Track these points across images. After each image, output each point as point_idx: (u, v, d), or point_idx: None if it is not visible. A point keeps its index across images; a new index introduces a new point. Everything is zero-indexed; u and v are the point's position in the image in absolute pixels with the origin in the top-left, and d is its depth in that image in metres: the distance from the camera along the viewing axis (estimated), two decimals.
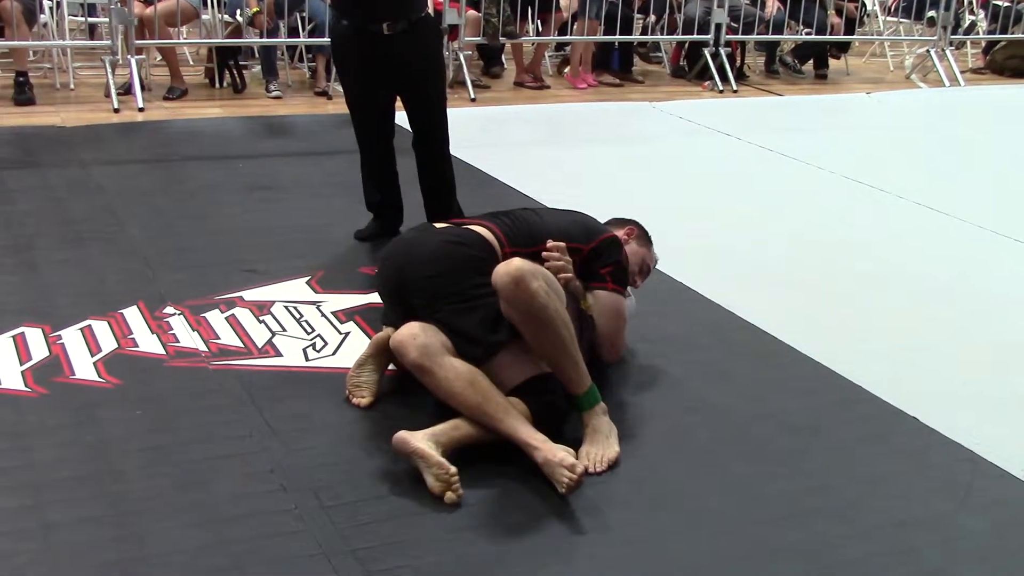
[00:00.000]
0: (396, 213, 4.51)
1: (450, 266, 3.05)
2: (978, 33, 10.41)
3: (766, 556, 2.50)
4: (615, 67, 8.81)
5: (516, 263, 2.86)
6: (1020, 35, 9.96)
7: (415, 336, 2.89)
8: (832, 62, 9.52)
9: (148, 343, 3.41)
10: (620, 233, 3.40)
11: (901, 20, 10.19)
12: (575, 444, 2.83)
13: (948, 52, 9.40)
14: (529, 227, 3.23)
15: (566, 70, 8.77)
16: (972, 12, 10.33)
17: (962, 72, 9.51)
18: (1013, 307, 4.14)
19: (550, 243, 3.11)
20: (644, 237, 3.52)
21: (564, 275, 3.06)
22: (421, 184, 4.47)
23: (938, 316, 4.01)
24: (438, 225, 3.34)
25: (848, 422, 3.17)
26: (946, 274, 4.46)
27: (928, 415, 3.18)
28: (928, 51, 9.45)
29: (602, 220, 3.46)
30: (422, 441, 2.66)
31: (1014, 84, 9.59)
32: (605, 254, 3.25)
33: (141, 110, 6.81)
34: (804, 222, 5.11)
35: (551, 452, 2.67)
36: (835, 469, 2.91)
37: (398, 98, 4.38)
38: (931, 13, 9.48)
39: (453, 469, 2.61)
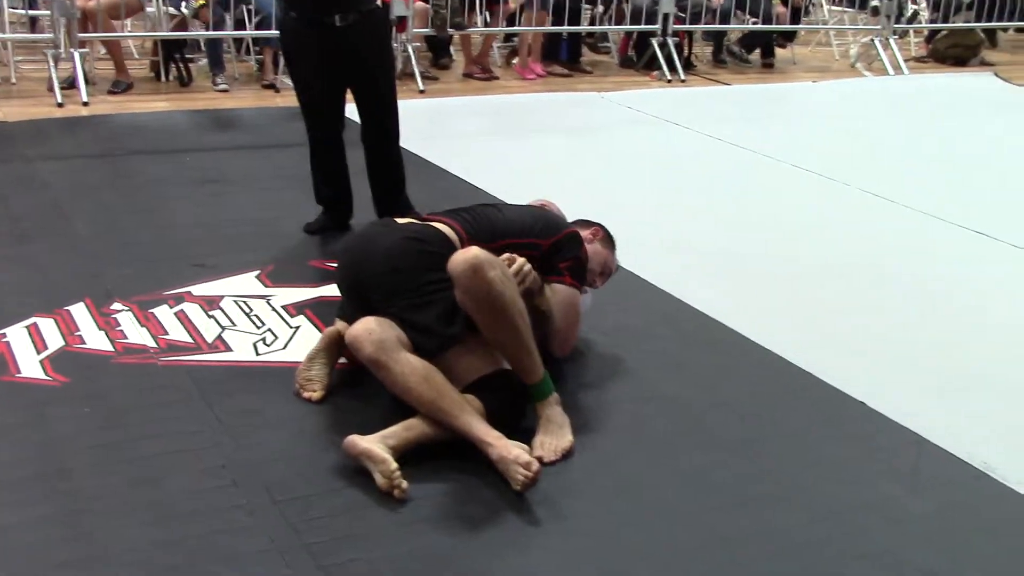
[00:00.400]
0: (346, 206, 4.49)
1: (409, 263, 3.03)
2: (920, 22, 10.54)
3: (720, 544, 2.53)
4: (563, 57, 8.82)
5: (473, 251, 2.86)
6: (961, 24, 10.10)
7: (370, 331, 2.88)
8: (779, 51, 9.60)
9: (95, 340, 3.37)
10: (585, 233, 3.40)
11: (846, 9, 10.31)
12: (531, 437, 2.83)
13: (892, 41, 9.51)
14: (491, 223, 3.22)
15: (515, 61, 8.77)
16: (914, 1, 10.46)
17: (906, 60, 9.61)
18: (956, 292, 4.20)
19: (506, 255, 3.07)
20: (609, 240, 3.52)
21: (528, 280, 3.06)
22: (370, 178, 4.45)
23: (884, 302, 4.06)
24: (399, 220, 3.31)
25: (799, 409, 3.21)
26: (893, 261, 4.52)
27: (876, 400, 3.22)
28: (872, 40, 9.54)
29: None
30: (369, 442, 2.66)
31: (956, 72, 9.72)
32: (565, 249, 3.26)
33: (85, 104, 6.73)
34: (752, 211, 5.15)
35: (506, 449, 2.67)
36: (786, 456, 2.94)
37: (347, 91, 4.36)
38: (875, 2, 9.58)
39: (394, 465, 2.61)
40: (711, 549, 2.51)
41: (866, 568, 2.46)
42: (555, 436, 2.86)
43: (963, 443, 3.00)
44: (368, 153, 4.41)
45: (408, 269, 3.01)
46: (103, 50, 7.61)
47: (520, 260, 3.07)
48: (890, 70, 9.32)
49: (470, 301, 2.85)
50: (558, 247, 3.24)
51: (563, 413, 2.93)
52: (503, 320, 2.85)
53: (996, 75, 9.38)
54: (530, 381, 2.91)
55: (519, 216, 3.32)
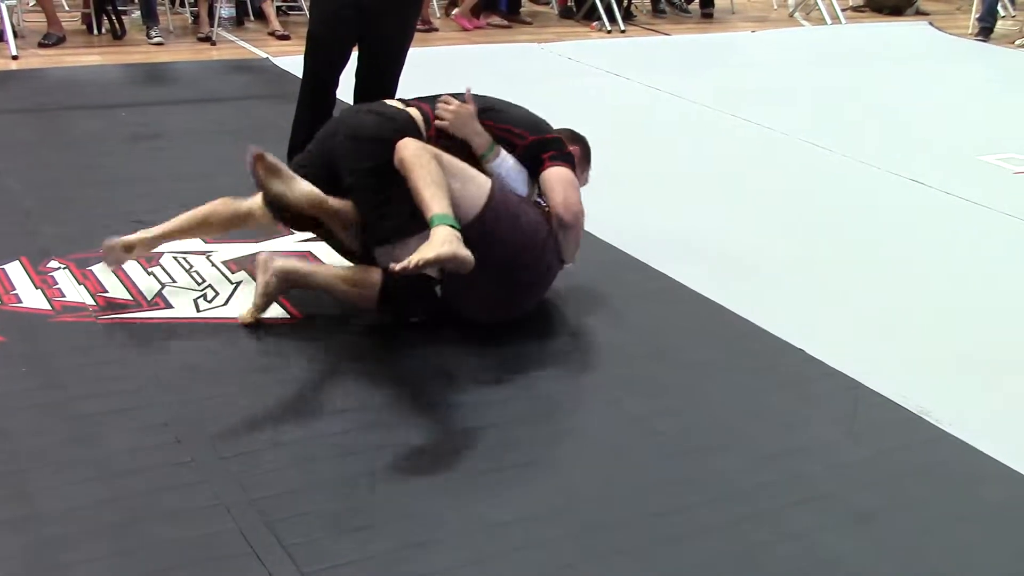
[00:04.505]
0: None
1: (368, 133, 3.15)
2: None
3: (660, 489, 2.56)
4: (503, 8, 8.77)
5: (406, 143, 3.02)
6: None
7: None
8: (718, 1, 9.60)
9: (32, 299, 3.32)
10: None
11: None
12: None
13: None
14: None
15: (454, 12, 8.70)
16: None
17: (843, 9, 9.67)
18: (890, 238, 4.26)
19: (443, 97, 3.24)
20: (585, 159, 3.53)
21: (442, 123, 3.21)
22: None
23: (820, 250, 4.12)
24: (376, 106, 3.35)
25: (738, 357, 3.24)
26: (830, 207, 4.58)
27: (814, 347, 3.27)
28: None
29: None
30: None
31: (891, 21, 9.80)
32: (549, 146, 3.30)
33: (15, 58, 6.58)
34: (691, 160, 5.18)
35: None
36: (727, 403, 2.98)
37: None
38: None
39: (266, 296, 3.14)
40: (650, 494, 2.54)
41: (806, 512, 2.51)
42: (429, 248, 2.78)
43: (899, 388, 3.06)
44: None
45: (367, 139, 3.13)
46: (32, 1, 7.44)
47: (454, 103, 3.22)
48: (828, 19, 9.37)
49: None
50: (542, 144, 3.29)
51: (449, 239, 2.81)
52: (411, 175, 2.95)
53: (931, 24, 9.47)
54: (427, 215, 2.90)
55: (506, 108, 3.38)
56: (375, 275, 3.13)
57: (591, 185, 3.56)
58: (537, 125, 3.38)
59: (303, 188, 3.03)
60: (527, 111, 3.45)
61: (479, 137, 3.23)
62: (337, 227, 3.19)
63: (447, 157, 3.06)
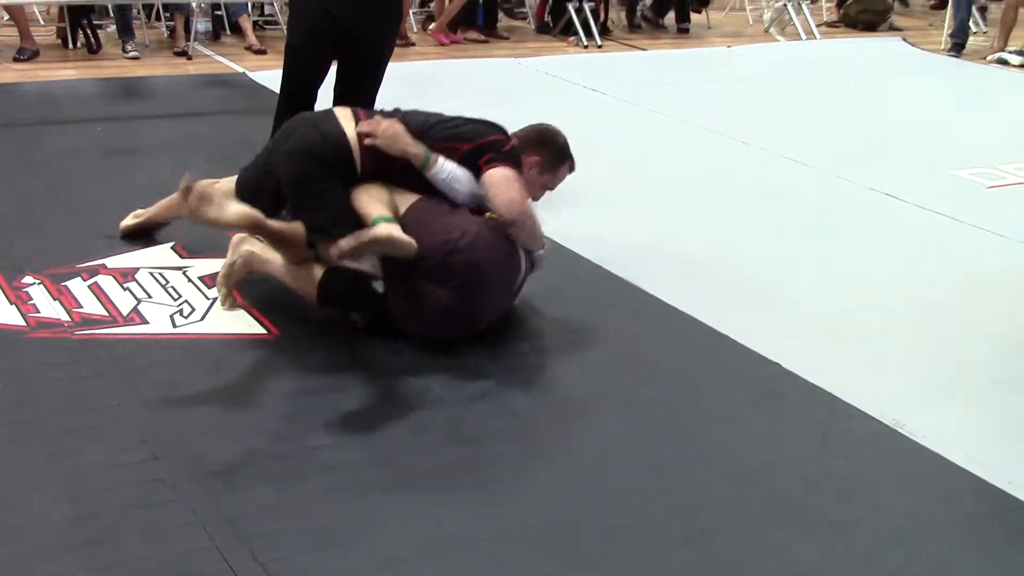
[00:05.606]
0: None
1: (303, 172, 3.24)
2: None
3: (634, 502, 2.57)
4: (480, 23, 8.79)
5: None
6: None
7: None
8: (694, 16, 9.66)
9: (6, 315, 3.31)
10: (524, 159, 3.41)
11: None
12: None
13: (804, 6, 9.63)
14: (405, 124, 3.29)
15: (431, 27, 8.72)
16: None
17: (817, 26, 9.75)
18: (867, 251, 4.29)
19: (363, 123, 3.27)
20: (551, 163, 3.50)
21: (374, 142, 3.23)
22: None
23: (797, 263, 4.14)
24: (324, 122, 3.36)
25: (714, 370, 3.26)
26: (805, 222, 4.60)
27: (789, 361, 3.28)
28: (785, 5, 9.65)
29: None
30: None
31: (865, 37, 9.87)
32: (487, 150, 3.30)
33: None
34: (667, 174, 5.19)
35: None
36: (703, 417, 2.99)
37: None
38: None
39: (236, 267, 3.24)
40: (627, 507, 2.55)
41: (780, 525, 2.52)
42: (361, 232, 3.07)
43: (874, 401, 3.07)
44: None
45: (301, 154, 3.25)
46: (6, 16, 7.41)
47: (383, 122, 3.24)
48: (802, 35, 9.44)
49: None
50: (478, 150, 3.29)
51: (388, 227, 3.06)
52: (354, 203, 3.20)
53: (904, 40, 9.55)
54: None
55: (444, 123, 3.37)
56: (318, 272, 3.23)
57: (567, 197, 3.56)
58: (473, 133, 3.35)
59: (236, 210, 3.13)
60: (466, 120, 3.43)
61: (413, 148, 3.25)
62: (276, 244, 3.30)
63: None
